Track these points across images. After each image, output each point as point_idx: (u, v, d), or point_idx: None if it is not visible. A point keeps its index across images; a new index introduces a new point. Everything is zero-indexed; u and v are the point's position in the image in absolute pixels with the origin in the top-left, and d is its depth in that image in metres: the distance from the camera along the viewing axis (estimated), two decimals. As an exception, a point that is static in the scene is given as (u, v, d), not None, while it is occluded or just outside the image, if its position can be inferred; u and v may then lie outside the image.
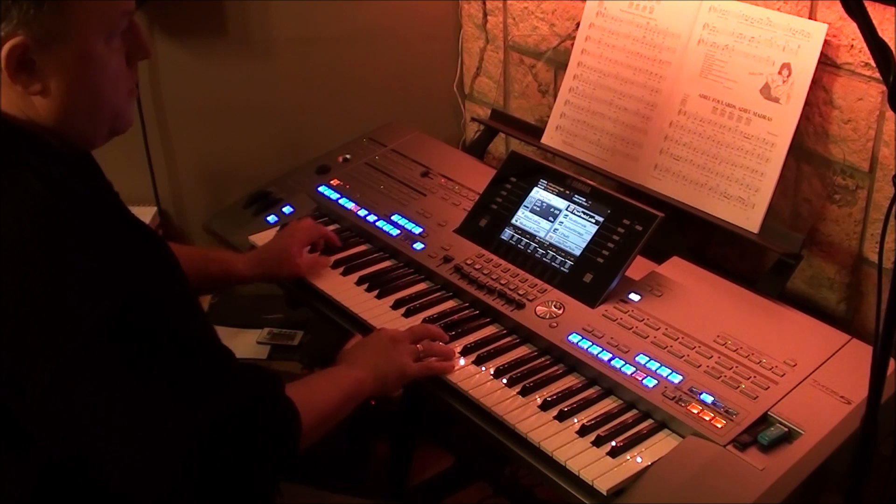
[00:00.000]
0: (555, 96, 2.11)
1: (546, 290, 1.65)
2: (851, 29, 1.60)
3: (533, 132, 2.06)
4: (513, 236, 1.75)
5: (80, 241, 1.08)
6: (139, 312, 1.08)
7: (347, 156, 2.13)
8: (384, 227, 1.88)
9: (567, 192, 1.72)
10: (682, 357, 1.47)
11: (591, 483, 1.30)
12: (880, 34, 1.06)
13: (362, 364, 1.47)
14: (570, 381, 1.50)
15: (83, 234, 1.09)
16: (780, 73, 1.67)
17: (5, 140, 1.13)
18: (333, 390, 1.40)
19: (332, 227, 1.94)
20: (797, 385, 1.41)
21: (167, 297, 1.14)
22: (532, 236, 1.72)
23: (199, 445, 1.09)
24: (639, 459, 1.34)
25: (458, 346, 1.56)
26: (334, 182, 2.05)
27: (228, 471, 1.14)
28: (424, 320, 1.63)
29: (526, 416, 1.42)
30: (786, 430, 1.34)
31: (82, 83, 1.15)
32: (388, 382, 1.49)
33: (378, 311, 1.67)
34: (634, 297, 1.59)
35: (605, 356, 1.49)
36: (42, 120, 1.14)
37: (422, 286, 1.74)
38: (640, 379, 1.44)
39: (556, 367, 1.52)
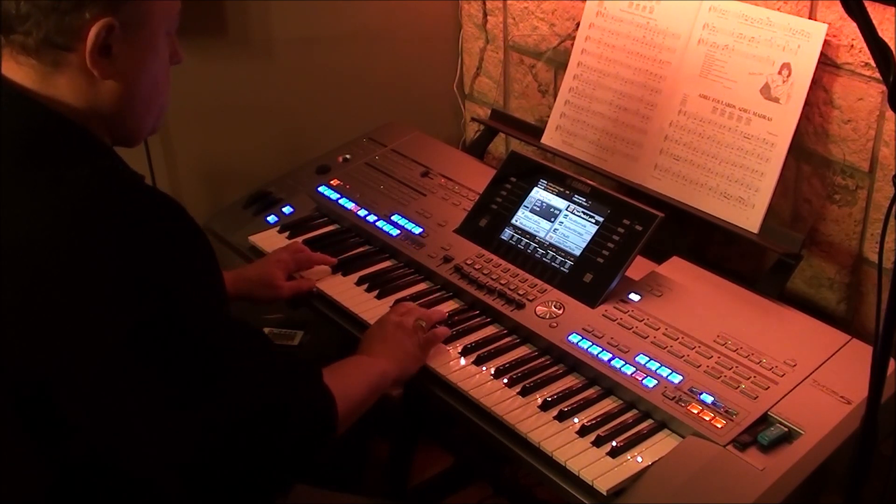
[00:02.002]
0: (555, 96, 2.11)
1: (546, 290, 1.65)
2: (851, 29, 1.60)
3: (533, 132, 2.06)
4: (513, 236, 1.75)
5: (125, 238, 1.08)
6: (174, 311, 1.09)
7: (347, 156, 2.13)
8: (384, 227, 1.88)
9: (567, 192, 1.72)
10: (682, 357, 1.47)
11: (591, 483, 1.30)
12: (880, 34, 1.05)
13: (382, 354, 1.48)
14: (570, 381, 1.50)
15: (129, 231, 1.08)
16: (780, 73, 1.67)
17: (63, 136, 1.12)
18: (362, 379, 1.42)
19: (331, 228, 1.94)
20: (797, 385, 1.41)
21: (203, 294, 1.14)
22: (532, 236, 1.72)
23: (226, 437, 1.10)
24: (639, 459, 1.34)
25: (458, 346, 1.57)
26: (334, 182, 2.05)
27: (267, 458, 1.15)
28: (424, 320, 1.63)
29: (526, 416, 1.42)
30: (786, 430, 1.34)
31: (146, 73, 1.17)
32: (408, 368, 1.50)
33: (378, 312, 1.66)
34: (634, 297, 1.59)
35: (605, 356, 1.49)
36: (103, 108, 1.15)
37: (422, 286, 1.74)
38: (640, 379, 1.44)
39: (556, 368, 1.52)
